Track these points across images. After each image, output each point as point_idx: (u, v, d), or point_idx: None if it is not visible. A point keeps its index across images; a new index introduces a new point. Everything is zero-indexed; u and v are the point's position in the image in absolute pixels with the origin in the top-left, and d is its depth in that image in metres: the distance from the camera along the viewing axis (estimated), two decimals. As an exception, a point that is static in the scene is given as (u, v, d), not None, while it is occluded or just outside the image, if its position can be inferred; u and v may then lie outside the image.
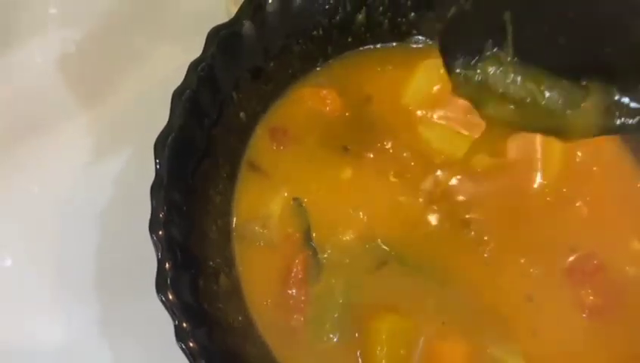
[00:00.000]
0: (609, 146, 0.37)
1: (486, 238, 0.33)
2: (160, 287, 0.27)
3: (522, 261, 0.33)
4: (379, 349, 0.30)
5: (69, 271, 0.38)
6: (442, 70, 0.29)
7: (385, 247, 0.33)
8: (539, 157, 0.36)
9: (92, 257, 0.38)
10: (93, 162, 0.42)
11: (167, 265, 0.27)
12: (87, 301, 0.37)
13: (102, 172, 0.42)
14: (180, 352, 0.27)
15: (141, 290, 0.29)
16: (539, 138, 0.36)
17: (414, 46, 0.40)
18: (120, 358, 0.36)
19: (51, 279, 0.38)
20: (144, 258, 0.29)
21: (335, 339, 0.31)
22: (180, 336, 0.26)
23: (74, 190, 0.40)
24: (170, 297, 0.26)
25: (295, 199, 0.34)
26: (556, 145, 0.35)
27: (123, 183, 0.41)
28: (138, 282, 0.30)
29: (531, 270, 0.33)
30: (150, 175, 0.30)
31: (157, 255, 0.27)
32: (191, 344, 0.26)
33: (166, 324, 0.27)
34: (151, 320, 0.30)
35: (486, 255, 0.33)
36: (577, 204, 0.35)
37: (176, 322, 0.26)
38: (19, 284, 0.38)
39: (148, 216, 0.29)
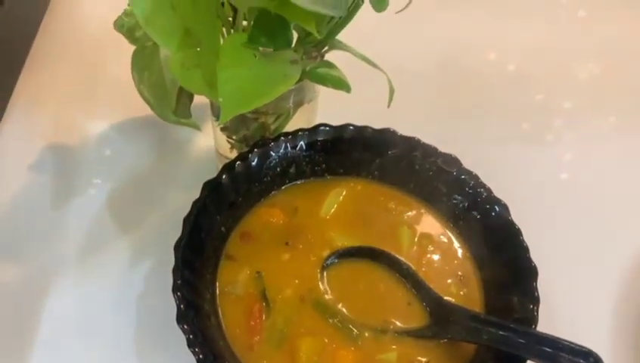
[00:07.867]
0: (440, 233, 0.61)
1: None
2: (179, 320, 0.48)
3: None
4: (301, 355, 0.50)
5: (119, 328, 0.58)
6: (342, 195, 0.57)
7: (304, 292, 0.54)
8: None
9: (134, 322, 0.59)
10: (131, 265, 0.63)
11: (182, 308, 0.48)
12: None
13: (139, 271, 0.62)
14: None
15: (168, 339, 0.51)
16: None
17: (326, 181, 0.63)
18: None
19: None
20: (170, 319, 0.48)
21: (277, 350, 0.51)
22: (189, 343, 0.47)
23: (119, 282, 0.62)
24: (184, 326, 0.48)
25: (257, 272, 0.55)
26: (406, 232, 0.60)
27: (154, 275, 0.61)
28: (167, 336, 0.52)
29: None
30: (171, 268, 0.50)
31: (176, 302, 0.49)
32: (196, 349, 0.47)
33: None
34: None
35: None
36: (422, 269, 0.57)
37: (186, 336, 0.47)
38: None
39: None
